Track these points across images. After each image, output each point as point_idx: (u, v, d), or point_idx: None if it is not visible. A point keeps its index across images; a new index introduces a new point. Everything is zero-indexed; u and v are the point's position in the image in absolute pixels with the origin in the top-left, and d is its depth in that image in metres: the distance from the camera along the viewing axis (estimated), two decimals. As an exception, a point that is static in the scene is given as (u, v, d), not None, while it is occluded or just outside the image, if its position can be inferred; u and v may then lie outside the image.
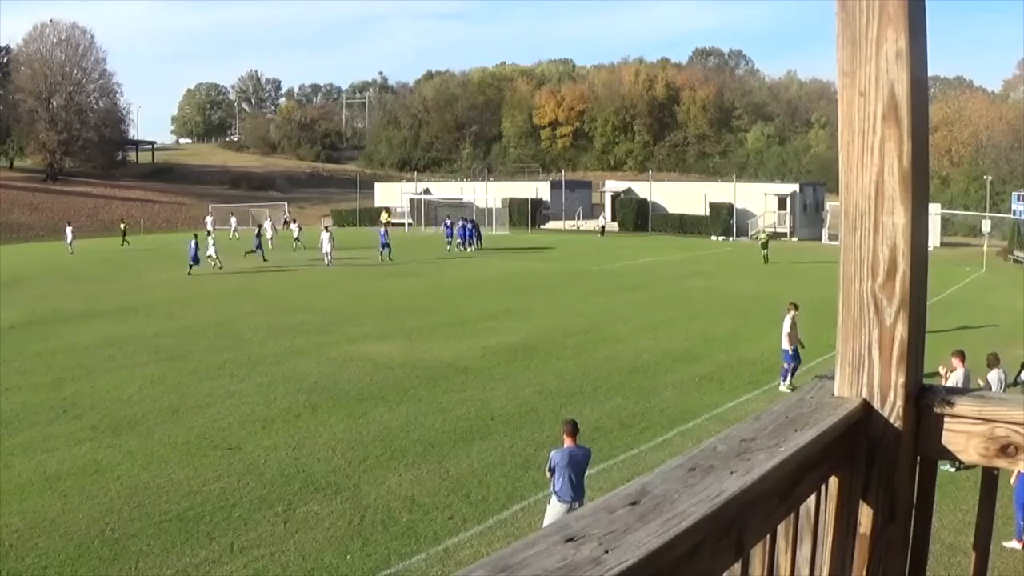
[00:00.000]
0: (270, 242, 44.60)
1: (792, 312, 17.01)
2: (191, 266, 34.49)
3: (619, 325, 23.21)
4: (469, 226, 47.23)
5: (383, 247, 39.46)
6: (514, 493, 11.23)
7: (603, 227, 59.60)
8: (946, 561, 8.46)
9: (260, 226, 44.64)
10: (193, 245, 34.87)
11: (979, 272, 37.92)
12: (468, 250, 45.30)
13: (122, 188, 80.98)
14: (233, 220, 57.28)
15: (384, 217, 57.55)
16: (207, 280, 33.07)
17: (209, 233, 38.46)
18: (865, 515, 1.60)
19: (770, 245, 42.32)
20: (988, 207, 59.82)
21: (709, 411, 14.92)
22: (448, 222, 48.77)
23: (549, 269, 36.97)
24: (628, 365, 18.33)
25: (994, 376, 12.88)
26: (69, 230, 48.28)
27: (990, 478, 1.67)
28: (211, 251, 35.95)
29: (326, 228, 41.53)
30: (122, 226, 54.53)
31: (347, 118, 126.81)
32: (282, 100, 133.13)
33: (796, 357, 16.70)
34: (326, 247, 37.26)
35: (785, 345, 16.85)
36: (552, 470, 9.33)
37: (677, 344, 20.67)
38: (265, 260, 38.81)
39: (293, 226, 49.99)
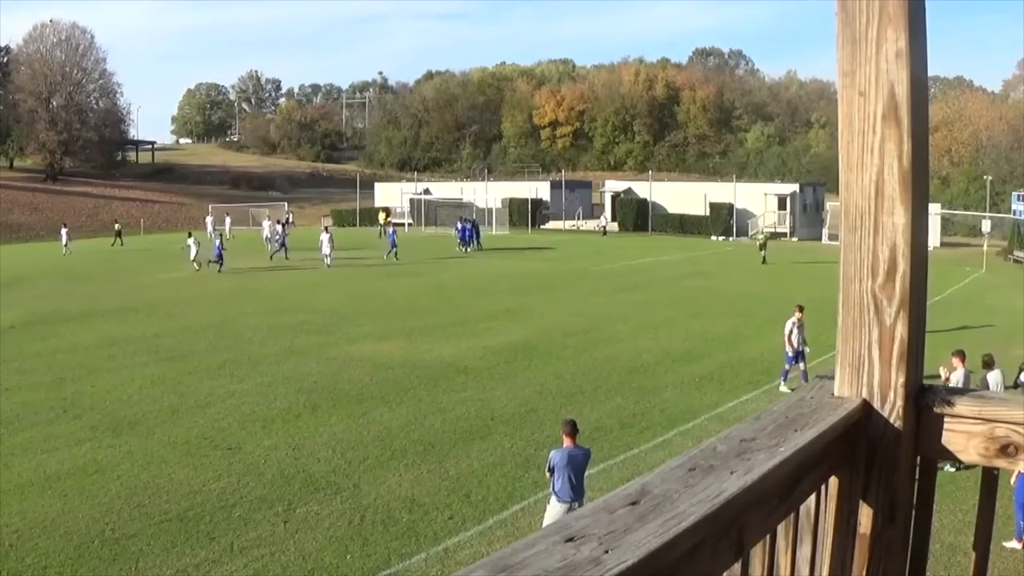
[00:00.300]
0: (266, 243, 44.61)
1: (796, 315, 16.88)
2: (219, 263, 35.51)
3: (619, 325, 23.21)
4: (468, 226, 47.08)
5: (392, 247, 40.06)
6: (514, 493, 11.24)
7: (605, 227, 59.50)
8: (946, 561, 8.47)
9: (283, 224, 44.83)
10: (218, 244, 36.42)
11: (979, 272, 37.92)
12: (467, 250, 45.18)
13: (122, 188, 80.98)
14: (227, 221, 55.77)
15: (382, 217, 57.47)
16: (207, 280, 33.08)
17: (190, 234, 38.29)
18: (865, 515, 1.60)
19: (768, 245, 41.80)
20: (988, 207, 59.81)
21: (709, 411, 14.92)
22: (459, 224, 48.58)
23: (549, 269, 36.96)
24: (628, 365, 18.33)
25: (992, 376, 12.78)
26: (64, 232, 47.83)
27: (990, 478, 1.67)
28: (193, 252, 35.84)
29: (325, 229, 41.48)
30: (116, 227, 53.69)
31: (347, 118, 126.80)
32: (282, 100, 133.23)
33: (797, 359, 16.62)
34: (325, 248, 37.23)
35: (786, 347, 16.80)
36: (551, 470, 9.32)
37: (677, 344, 20.67)
38: (271, 259, 39.01)
39: (278, 226, 48.05)
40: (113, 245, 50.30)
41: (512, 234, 57.61)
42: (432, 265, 38.44)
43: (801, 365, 16.60)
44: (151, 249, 48.21)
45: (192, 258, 36.04)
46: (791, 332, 16.71)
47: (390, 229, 42.66)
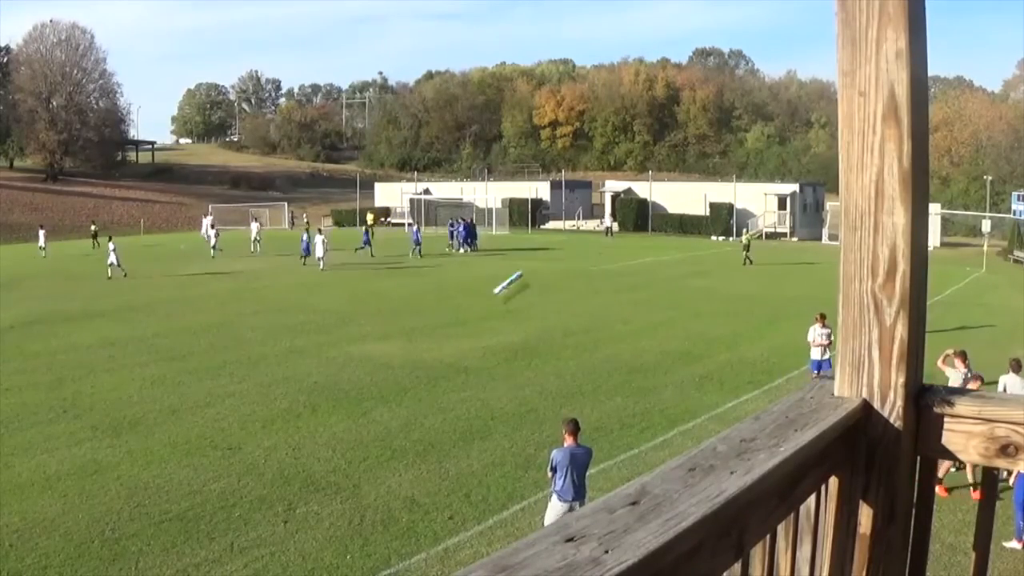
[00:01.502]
0: (258, 244, 44.56)
1: (817, 325, 16.41)
2: (304, 257, 37.64)
3: (619, 325, 23.21)
4: (460, 225, 46.87)
5: (415, 244, 41.57)
6: (514, 493, 11.23)
7: (609, 228, 59.29)
8: (946, 561, 8.47)
9: (367, 224, 46.37)
10: (304, 238, 38.40)
11: (979, 272, 37.91)
12: (464, 251, 45.04)
13: (122, 188, 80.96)
14: (206, 221, 53.10)
15: (370, 218, 57.43)
16: (207, 280, 33.08)
17: (110, 238, 37.99)
18: (865, 515, 1.60)
19: (752, 247, 40.85)
20: (988, 207, 59.77)
21: (709, 411, 14.91)
22: (451, 223, 48.65)
23: (549, 269, 36.94)
24: (628, 365, 18.32)
25: (1005, 380, 12.09)
26: (42, 233, 47.02)
27: (990, 478, 1.67)
28: (112, 258, 33.96)
29: (320, 231, 40.93)
30: (92, 228, 50.37)
31: (347, 118, 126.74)
32: (282, 100, 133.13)
33: (819, 367, 16.21)
34: (319, 251, 36.83)
35: (812, 352, 16.58)
36: (554, 470, 9.32)
37: (677, 344, 20.67)
38: (373, 256, 40.25)
39: (211, 231, 45.27)
40: (95, 248, 46.35)
41: (512, 234, 57.59)
42: (432, 265, 38.44)
43: (815, 373, 16.31)
44: (150, 249, 48.17)
45: (109, 263, 33.98)
46: (813, 339, 16.51)
47: (415, 228, 44.26)
